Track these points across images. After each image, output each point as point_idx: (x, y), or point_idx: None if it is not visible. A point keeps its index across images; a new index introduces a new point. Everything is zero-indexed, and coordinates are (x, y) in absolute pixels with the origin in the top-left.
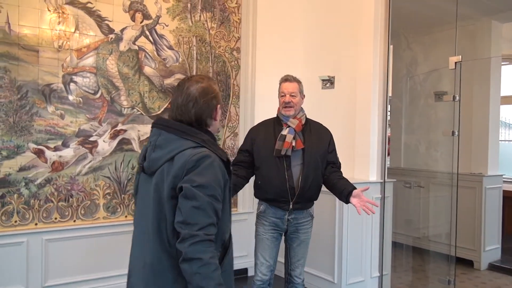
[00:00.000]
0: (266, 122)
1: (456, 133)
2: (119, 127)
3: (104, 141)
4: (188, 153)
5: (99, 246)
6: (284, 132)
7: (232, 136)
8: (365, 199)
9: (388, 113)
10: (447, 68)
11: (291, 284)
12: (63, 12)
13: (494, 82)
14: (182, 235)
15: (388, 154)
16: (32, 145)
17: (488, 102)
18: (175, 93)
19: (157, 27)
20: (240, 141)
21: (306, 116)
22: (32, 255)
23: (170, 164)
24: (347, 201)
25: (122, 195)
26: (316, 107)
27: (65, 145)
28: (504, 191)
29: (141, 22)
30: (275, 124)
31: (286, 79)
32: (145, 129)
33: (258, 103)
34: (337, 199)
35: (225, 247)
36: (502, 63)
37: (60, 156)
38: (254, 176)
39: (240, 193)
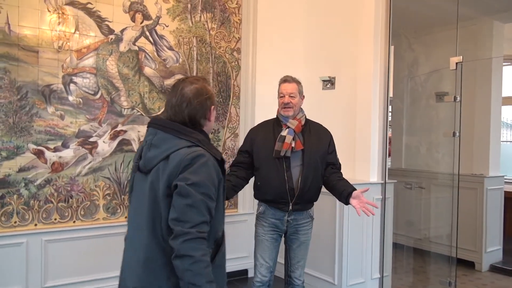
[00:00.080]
0: (266, 123)
1: (457, 134)
2: (119, 127)
3: (104, 141)
4: (183, 152)
5: (98, 247)
6: (284, 133)
7: (233, 137)
8: (365, 200)
9: (389, 114)
10: (448, 68)
11: (291, 286)
12: (63, 13)
13: (496, 82)
14: (175, 232)
15: (389, 155)
16: (32, 146)
17: (490, 103)
18: (170, 94)
19: (157, 28)
20: (240, 141)
21: (305, 116)
22: (32, 256)
23: (166, 163)
24: (346, 202)
25: (122, 196)
26: (317, 108)
27: (65, 145)
28: (506, 192)
29: (141, 23)
30: (274, 125)
31: (285, 79)
32: (145, 130)
33: (258, 104)
34: (337, 200)
35: (218, 244)
36: (504, 63)
37: (60, 157)
38: (253, 177)
39: (240, 194)
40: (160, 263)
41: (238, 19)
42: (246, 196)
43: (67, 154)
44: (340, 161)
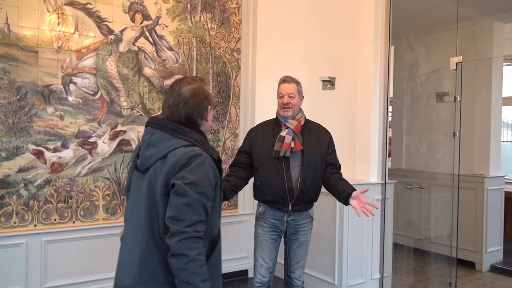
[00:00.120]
0: (265, 123)
1: (458, 134)
2: (119, 128)
3: (103, 142)
4: (180, 151)
5: (98, 247)
6: (283, 133)
7: (232, 137)
8: (365, 201)
9: (389, 114)
10: (448, 68)
11: (290, 286)
12: (62, 13)
13: (496, 83)
14: (171, 230)
15: (389, 155)
16: (32, 146)
17: (490, 103)
18: (167, 94)
19: (157, 28)
20: (240, 142)
21: (305, 117)
22: (31, 257)
23: (163, 162)
24: (346, 202)
25: (122, 196)
26: (317, 108)
27: (64, 146)
28: (506, 193)
29: (141, 23)
30: (274, 125)
31: (285, 80)
32: None
33: (258, 104)
34: (337, 200)
35: (213, 243)
36: (504, 63)
37: (60, 157)
38: (253, 177)
39: (240, 194)
40: (157, 262)
41: (238, 19)
42: (246, 196)
43: (67, 154)
44: (340, 161)
